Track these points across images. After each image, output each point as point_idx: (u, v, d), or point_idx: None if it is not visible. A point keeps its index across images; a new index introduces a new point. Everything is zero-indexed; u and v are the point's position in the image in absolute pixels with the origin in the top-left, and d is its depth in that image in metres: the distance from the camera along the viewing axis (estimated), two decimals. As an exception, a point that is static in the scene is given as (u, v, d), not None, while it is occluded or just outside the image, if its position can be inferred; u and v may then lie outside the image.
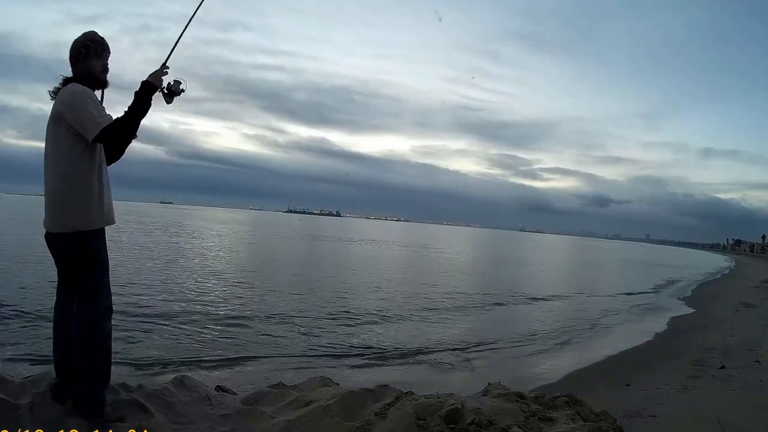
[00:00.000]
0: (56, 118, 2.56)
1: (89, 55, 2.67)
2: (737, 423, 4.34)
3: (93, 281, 2.66)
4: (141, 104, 2.54)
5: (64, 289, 2.76)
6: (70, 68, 2.70)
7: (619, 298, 17.76)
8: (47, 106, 2.69)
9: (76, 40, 2.71)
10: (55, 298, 2.84)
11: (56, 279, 2.84)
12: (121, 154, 2.83)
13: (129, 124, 2.55)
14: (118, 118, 2.53)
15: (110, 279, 2.79)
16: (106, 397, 2.68)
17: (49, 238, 2.69)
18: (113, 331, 2.77)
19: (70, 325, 2.65)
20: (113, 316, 2.78)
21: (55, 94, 2.65)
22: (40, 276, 11.52)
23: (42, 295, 9.23)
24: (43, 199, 2.71)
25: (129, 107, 2.54)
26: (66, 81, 2.66)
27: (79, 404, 2.60)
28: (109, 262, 2.80)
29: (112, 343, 2.76)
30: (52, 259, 2.77)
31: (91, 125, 2.47)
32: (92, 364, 2.61)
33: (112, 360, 2.75)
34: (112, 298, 2.79)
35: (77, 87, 2.59)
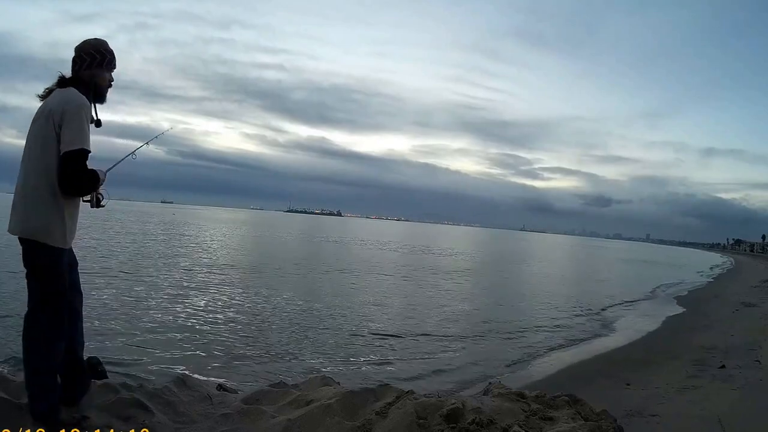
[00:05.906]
0: (52, 116, 2.30)
1: (102, 65, 2.48)
2: (737, 423, 4.34)
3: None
4: (96, 182, 2.43)
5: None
6: (73, 69, 2.45)
7: (619, 299, 17.76)
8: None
9: (88, 41, 2.48)
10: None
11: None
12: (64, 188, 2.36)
13: (87, 181, 2.38)
14: (92, 169, 2.38)
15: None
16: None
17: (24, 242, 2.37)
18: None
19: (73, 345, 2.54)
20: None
21: (47, 93, 2.41)
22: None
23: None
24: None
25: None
26: (63, 82, 2.41)
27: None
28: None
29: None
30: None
31: (77, 140, 2.27)
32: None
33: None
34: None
35: (83, 99, 2.36)
